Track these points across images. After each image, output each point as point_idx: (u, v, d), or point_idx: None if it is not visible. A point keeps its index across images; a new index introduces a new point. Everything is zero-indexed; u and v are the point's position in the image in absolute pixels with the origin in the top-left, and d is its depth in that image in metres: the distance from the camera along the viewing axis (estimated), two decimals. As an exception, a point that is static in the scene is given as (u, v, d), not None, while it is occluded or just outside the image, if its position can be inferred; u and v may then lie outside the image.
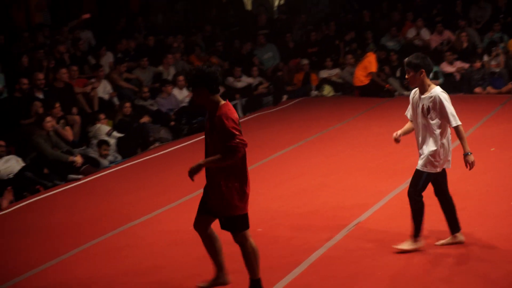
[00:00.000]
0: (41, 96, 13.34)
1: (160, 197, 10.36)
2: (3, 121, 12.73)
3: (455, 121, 7.24)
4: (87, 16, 18.56)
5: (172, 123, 15.14)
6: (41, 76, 13.57)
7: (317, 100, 18.63)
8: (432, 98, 7.29)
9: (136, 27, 19.65)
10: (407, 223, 7.81)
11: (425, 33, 20.22)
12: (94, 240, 8.68)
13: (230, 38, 21.04)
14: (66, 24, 17.88)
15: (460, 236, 7.66)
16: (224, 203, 6.37)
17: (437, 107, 7.25)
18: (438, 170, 7.42)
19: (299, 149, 13.09)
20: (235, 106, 16.66)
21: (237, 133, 6.15)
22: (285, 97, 18.77)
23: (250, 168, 11.53)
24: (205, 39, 20.51)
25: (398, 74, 18.80)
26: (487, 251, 7.46)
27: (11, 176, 11.20)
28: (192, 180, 6.39)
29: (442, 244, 7.67)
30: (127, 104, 14.40)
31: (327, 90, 19.15)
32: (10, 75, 14.14)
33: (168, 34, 19.57)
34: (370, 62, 18.44)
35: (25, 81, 13.18)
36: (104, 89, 15.38)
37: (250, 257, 6.50)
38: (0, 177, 11.06)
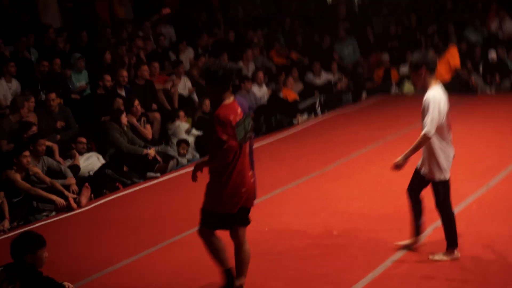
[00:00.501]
0: (123, 93, 13.52)
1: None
2: (85, 118, 12.97)
3: (428, 128, 6.91)
4: (167, 11, 18.69)
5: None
6: (124, 73, 13.75)
7: (397, 98, 18.41)
8: (425, 99, 7.00)
9: (216, 22, 19.71)
10: (486, 228, 7.70)
11: (510, 25, 19.64)
12: (174, 237, 8.79)
13: (310, 32, 20.93)
14: (148, 19, 18.07)
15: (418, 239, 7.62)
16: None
17: (426, 109, 6.97)
18: (447, 176, 7.22)
19: (378, 148, 12.96)
20: (313, 103, 16.60)
21: (224, 138, 6.20)
22: (364, 94, 18.60)
23: (330, 167, 11.60)
24: (284, 33, 20.47)
25: (481, 69, 18.42)
26: None
27: (91, 173, 11.42)
28: (194, 180, 6.52)
29: (403, 245, 7.67)
30: (207, 101, 14.44)
31: (407, 87, 18.89)
32: (92, 72, 14.40)
33: (248, 29, 19.56)
34: (453, 56, 18.07)
35: (108, 77, 13.38)
36: (184, 86, 15.46)
37: (212, 254, 6.70)
38: (81, 174, 11.28)
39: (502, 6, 20.06)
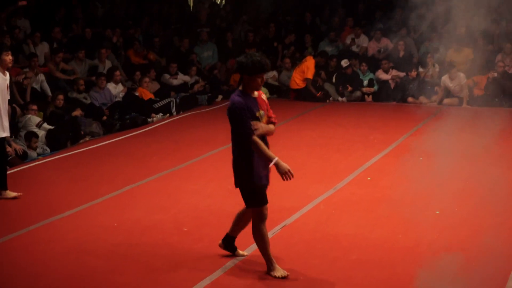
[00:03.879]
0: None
1: (88, 192, 10.24)
2: None
3: None
4: (23, 2, 18.19)
5: (105, 117, 14.97)
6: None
7: (251, 101, 18.59)
8: None
9: (74, 18, 19.34)
10: (334, 227, 7.89)
11: (364, 40, 20.42)
12: (17, 232, 8.54)
13: (170, 34, 20.91)
14: (2, 10, 17.54)
15: None
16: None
17: None
18: None
19: (229, 149, 13.00)
20: (169, 103, 16.57)
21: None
22: (220, 97, 18.74)
23: (182, 165, 11.61)
24: (144, 33, 20.35)
25: (334, 79, 19.00)
26: (408, 257, 7.55)
27: None
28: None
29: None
30: (60, 96, 14.19)
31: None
32: None
33: (106, 27, 19.32)
34: (308, 67, 18.51)
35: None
36: (38, 80, 15.14)
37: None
38: None
39: (357, 23, 20.79)
